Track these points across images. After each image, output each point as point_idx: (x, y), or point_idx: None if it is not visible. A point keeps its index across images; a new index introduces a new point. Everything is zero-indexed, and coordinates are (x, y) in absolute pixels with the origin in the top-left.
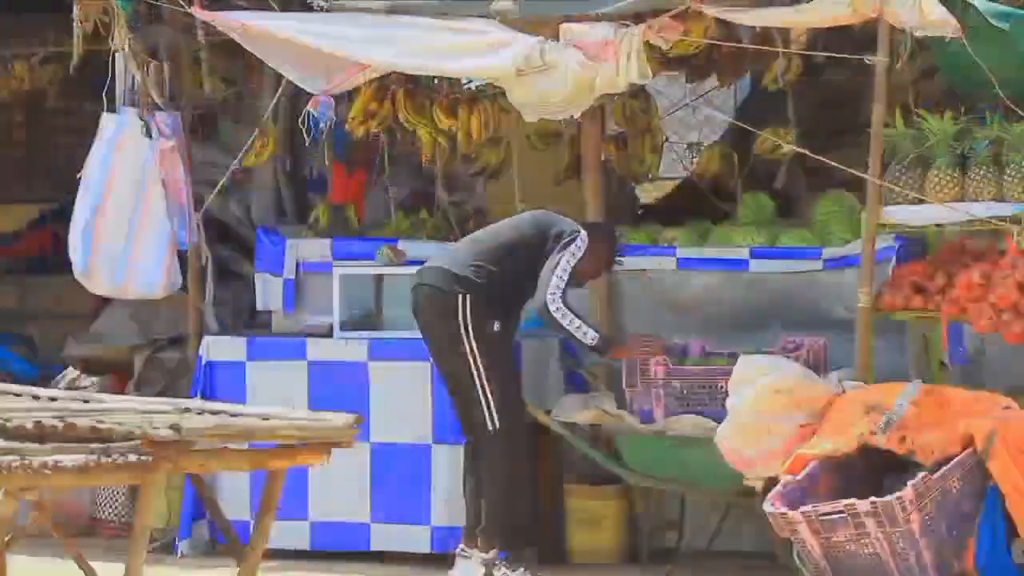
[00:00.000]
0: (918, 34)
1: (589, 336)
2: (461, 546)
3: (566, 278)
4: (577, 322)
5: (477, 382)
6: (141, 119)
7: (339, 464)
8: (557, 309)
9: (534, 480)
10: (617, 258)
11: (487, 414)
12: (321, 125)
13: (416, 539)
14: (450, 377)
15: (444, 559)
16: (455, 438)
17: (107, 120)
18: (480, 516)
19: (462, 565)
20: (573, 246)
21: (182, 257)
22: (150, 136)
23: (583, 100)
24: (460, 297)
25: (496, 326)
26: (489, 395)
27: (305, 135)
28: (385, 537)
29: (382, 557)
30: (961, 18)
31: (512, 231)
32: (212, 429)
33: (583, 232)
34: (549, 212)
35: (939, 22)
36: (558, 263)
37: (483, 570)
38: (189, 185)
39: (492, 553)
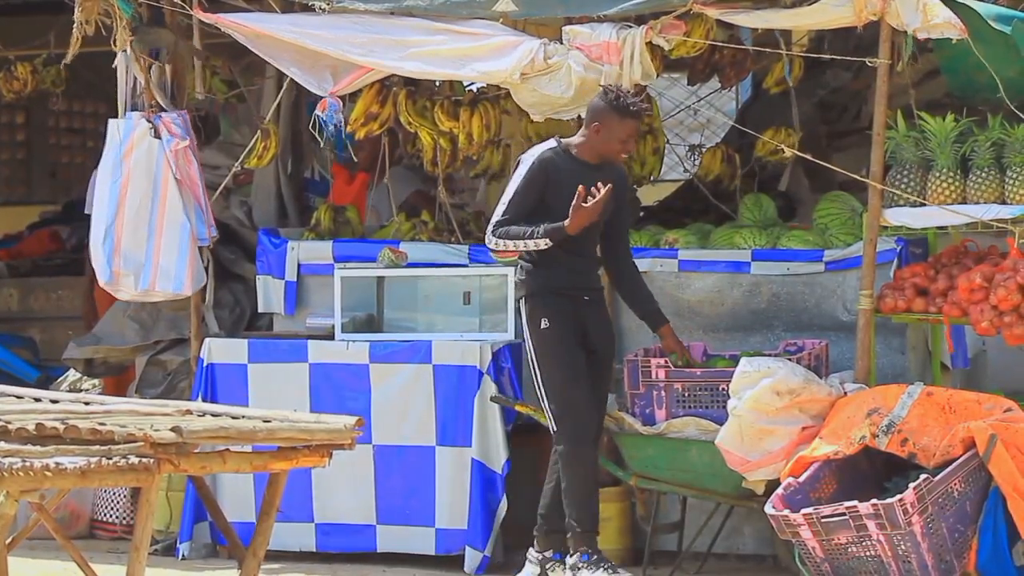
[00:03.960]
0: (921, 36)
1: (541, 243)
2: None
3: (506, 202)
4: (520, 242)
5: (536, 382)
6: (148, 121)
7: (343, 466)
8: (495, 244)
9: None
10: (632, 110)
11: (548, 417)
12: (330, 127)
13: (421, 541)
14: None
15: (449, 561)
16: (458, 440)
17: (114, 127)
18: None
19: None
20: (516, 173)
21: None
22: (159, 137)
23: (589, 101)
24: (520, 301)
25: (545, 323)
26: (545, 398)
27: (318, 137)
28: (390, 539)
29: (387, 559)
30: (963, 20)
31: None
32: (213, 431)
33: (531, 151)
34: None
35: (943, 24)
36: (500, 196)
37: (538, 569)
38: (203, 182)
39: (548, 553)
